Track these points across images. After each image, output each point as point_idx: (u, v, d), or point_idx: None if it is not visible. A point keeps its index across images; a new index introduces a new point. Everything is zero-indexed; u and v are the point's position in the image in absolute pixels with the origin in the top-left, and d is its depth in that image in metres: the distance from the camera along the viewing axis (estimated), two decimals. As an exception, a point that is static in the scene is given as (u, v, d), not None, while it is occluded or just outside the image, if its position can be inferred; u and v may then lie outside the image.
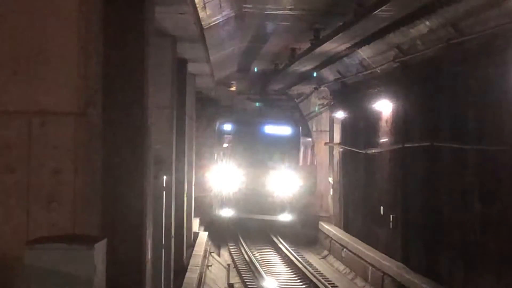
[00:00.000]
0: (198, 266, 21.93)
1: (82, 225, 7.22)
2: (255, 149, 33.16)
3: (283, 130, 34.42)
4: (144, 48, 11.63)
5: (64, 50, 7.28)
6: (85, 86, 7.35)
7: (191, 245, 25.22)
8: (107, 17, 8.53)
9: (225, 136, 34.67)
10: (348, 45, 22.20)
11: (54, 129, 7.23)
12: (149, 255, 11.70)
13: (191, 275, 20.48)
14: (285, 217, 32.91)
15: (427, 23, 17.03)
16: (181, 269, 20.52)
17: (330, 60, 26.09)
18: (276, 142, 33.66)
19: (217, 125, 35.60)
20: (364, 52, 23.18)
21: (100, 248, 6.69)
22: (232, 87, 36.69)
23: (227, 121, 35.20)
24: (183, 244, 21.61)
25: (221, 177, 33.32)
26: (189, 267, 21.49)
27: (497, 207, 15.36)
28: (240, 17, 18.37)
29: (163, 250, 14.46)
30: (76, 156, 7.26)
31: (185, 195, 21.31)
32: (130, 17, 11.09)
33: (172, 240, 16.86)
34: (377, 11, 15.52)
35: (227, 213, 33.11)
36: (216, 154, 35.30)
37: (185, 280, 19.42)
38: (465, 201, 16.98)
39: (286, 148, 33.72)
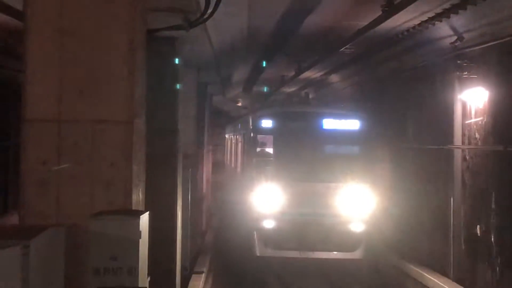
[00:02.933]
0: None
1: (131, 203, 7.23)
2: (311, 154, 16.52)
3: (349, 124, 17.02)
4: (176, 75, 11.71)
5: (117, 75, 7.29)
6: (133, 102, 7.34)
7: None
8: (149, 52, 8.55)
9: (262, 135, 17.28)
10: (322, 73, 22.25)
11: (110, 133, 7.25)
12: (179, 222, 11.81)
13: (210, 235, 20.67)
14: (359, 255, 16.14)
15: (379, 57, 17.07)
16: (204, 231, 20.66)
17: (309, 83, 26.13)
18: (341, 142, 16.97)
19: (252, 121, 17.70)
20: (334, 78, 23.22)
21: (144, 219, 6.72)
22: (238, 103, 36.25)
23: (267, 115, 17.36)
24: (202, 214, 21.72)
25: (257, 197, 16.30)
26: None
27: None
28: (245, 53, 18.39)
29: (188, 220, 14.51)
30: (126, 153, 7.29)
31: (204, 180, 21.37)
32: (166, 52, 11.15)
33: (196, 211, 16.89)
34: (342, 49, 15.55)
35: (268, 251, 16.04)
36: (247, 161, 17.98)
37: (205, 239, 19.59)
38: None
39: (356, 151, 16.99)
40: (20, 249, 5.59)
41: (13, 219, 10.75)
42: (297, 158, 16.56)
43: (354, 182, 16.21)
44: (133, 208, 7.22)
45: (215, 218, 25.35)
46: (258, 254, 16.07)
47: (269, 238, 15.92)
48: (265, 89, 29.54)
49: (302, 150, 16.59)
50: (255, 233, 16.17)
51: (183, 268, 12.82)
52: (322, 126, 16.94)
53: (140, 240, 6.52)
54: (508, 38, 11.37)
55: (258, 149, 17.19)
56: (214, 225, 23.64)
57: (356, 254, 15.98)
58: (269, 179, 16.24)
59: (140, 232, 6.51)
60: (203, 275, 14.72)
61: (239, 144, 20.79)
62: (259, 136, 17.27)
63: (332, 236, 15.81)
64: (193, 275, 14.34)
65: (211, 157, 29.12)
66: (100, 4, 7.22)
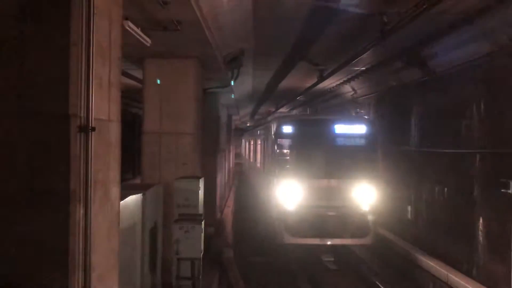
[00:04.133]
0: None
1: (195, 173, 7.27)
2: (325, 155, 9.13)
3: (357, 128, 9.31)
4: (218, 110, 11.68)
5: (188, 110, 7.32)
6: (196, 124, 7.44)
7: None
8: (204, 99, 8.58)
9: (283, 139, 9.38)
10: (288, 109, 22.16)
11: (185, 139, 7.32)
12: (217, 182, 11.78)
13: (233, 190, 20.27)
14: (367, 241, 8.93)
15: (316, 102, 17.10)
16: (230, 188, 20.06)
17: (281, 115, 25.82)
18: (351, 145, 9.25)
19: (274, 127, 9.61)
20: (293, 112, 23.09)
21: (201, 180, 6.80)
22: (247, 123, 35.78)
23: (287, 122, 9.44)
24: (230, 180, 21.41)
25: (280, 192, 9.13)
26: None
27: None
28: (250, 99, 18.32)
29: (223, 182, 14.34)
30: (192, 148, 7.35)
31: (230, 162, 21.06)
32: (211, 99, 11.09)
33: (230, 175, 16.59)
34: (298, 98, 15.55)
35: (292, 238, 8.86)
36: (270, 162, 9.81)
37: (230, 193, 19.11)
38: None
39: (364, 152, 9.21)
40: (141, 195, 5.63)
41: (137, 180, 10.88)
42: (313, 158, 9.70)
43: (361, 178, 9.38)
44: (196, 175, 7.26)
45: (235, 182, 25.21)
46: (284, 242, 9.54)
47: (292, 228, 9.52)
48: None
49: (318, 151, 9.67)
50: (279, 223, 9.69)
51: (218, 206, 12.88)
52: (334, 130, 9.77)
53: (199, 191, 6.59)
54: (376, 93, 11.39)
55: (279, 151, 9.98)
56: (236, 186, 23.52)
57: (367, 240, 9.49)
58: (290, 177, 9.62)
59: (200, 187, 6.59)
60: (230, 208, 14.80)
61: (258, 146, 14.14)
62: (279, 140, 9.97)
63: (345, 225, 9.42)
64: (225, 208, 14.44)
65: (234, 151, 29.15)
66: (180, 75, 7.31)
